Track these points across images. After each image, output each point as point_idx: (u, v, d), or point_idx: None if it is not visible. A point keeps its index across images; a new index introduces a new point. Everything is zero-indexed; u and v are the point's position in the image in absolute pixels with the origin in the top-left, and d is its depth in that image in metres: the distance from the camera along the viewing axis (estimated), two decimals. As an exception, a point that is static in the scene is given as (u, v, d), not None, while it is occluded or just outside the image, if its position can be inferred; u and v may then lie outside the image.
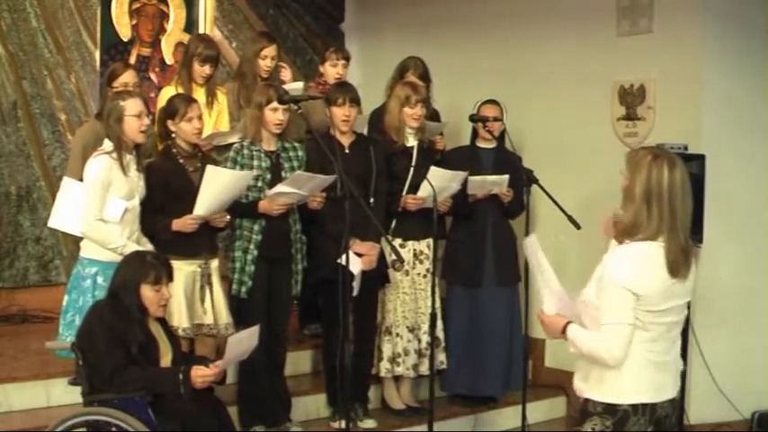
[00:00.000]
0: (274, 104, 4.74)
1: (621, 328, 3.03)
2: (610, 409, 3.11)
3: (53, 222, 4.73)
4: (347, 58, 5.80)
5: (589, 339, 3.11)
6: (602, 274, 3.09)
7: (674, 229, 3.05)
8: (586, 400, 3.17)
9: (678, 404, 3.31)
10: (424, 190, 5.06)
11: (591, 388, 3.15)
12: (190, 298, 4.59)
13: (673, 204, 3.05)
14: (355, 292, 4.74)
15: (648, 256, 3.04)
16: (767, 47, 5.80)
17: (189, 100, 4.75)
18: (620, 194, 3.16)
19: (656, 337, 3.09)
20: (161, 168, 4.63)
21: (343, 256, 4.24)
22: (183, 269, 4.53)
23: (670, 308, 3.09)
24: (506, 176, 5.40)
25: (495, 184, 5.41)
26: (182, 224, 4.50)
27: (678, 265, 3.06)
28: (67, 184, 4.66)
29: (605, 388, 3.11)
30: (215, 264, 4.71)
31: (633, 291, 3.01)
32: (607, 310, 3.05)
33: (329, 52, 5.79)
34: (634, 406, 3.09)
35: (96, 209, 4.37)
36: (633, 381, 3.08)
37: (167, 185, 4.57)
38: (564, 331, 3.17)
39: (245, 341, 4.15)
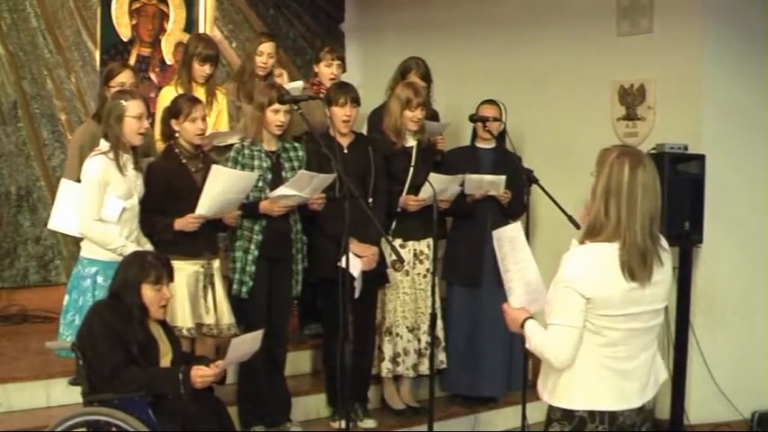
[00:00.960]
0: (276, 106, 4.74)
1: (566, 330, 2.94)
2: (567, 414, 3.04)
3: (52, 224, 4.73)
4: (341, 59, 5.80)
5: (538, 338, 3.03)
6: (557, 272, 3.00)
7: (632, 230, 2.90)
8: (549, 404, 3.11)
9: (650, 414, 3.19)
10: (426, 192, 5.06)
11: (548, 392, 3.09)
12: (193, 298, 4.59)
13: (631, 204, 2.91)
14: (357, 294, 4.75)
15: (604, 258, 2.92)
16: (767, 47, 5.80)
17: (193, 100, 4.75)
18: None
19: (613, 343, 2.96)
20: (163, 168, 4.63)
21: (343, 258, 4.24)
22: (186, 269, 4.54)
23: (632, 314, 2.95)
24: (503, 177, 5.40)
25: (493, 184, 5.40)
26: (184, 223, 4.50)
27: (633, 267, 2.91)
28: (65, 185, 4.66)
29: (560, 393, 3.04)
30: (217, 264, 4.72)
31: (581, 293, 2.91)
32: (554, 311, 2.97)
33: (323, 52, 5.77)
34: (590, 413, 3.00)
35: (94, 209, 4.37)
36: (587, 386, 2.99)
37: (169, 185, 4.57)
38: (522, 325, 3.11)
39: (247, 344, 4.15)
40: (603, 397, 3.00)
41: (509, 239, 3.28)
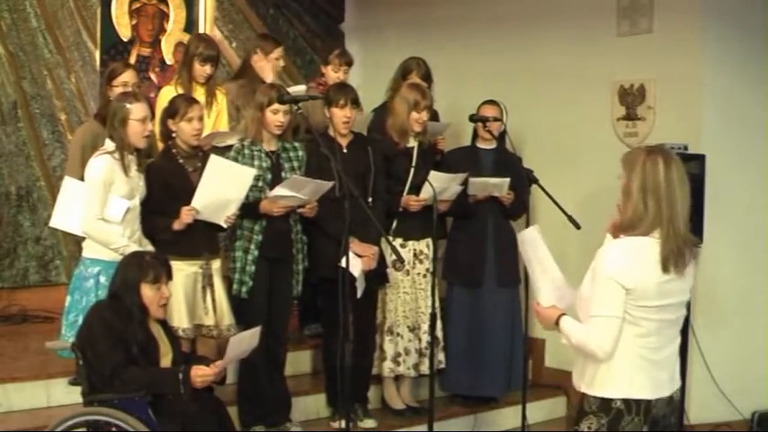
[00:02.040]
0: (276, 106, 4.74)
1: (610, 321, 3.04)
2: (604, 406, 3.11)
3: (54, 222, 4.72)
4: (350, 64, 5.79)
5: (579, 331, 3.11)
6: (595, 267, 3.10)
7: (673, 223, 3.05)
8: (582, 397, 3.17)
9: (677, 405, 3.30)
10: (427, 192, 5.06)
11: (586, 383, 3.16)
12: (191, 298, 4.58)
13: (671, 199, 3.05)
14: (359, 294, 4.75)
15: (641, 250, 3.05)
16: (767, 47, 5.80)
17: (190, 100, 4.74)
18: (620, 194, 3.15)
19: (648, 333, 3.09)
20: (161, 168, 4.63)
21: (343, 259, 4.24)
22: (185, 270, 4.54)
23: (664, 305, 3.08)
24: (507, 180, 5.40)
25: (497, 186, 5.41)
26: (179, 222, 4.49)
27: (670, 260, 3.04)
28: (69, 183, 4.66)
29: (598, 383, 3.12)
30: (216, 264, 4.71)
31: (623, 284, 3.02)
32: (596, 303, 3.06)
33: (333, 56, 5.75)
34: (627, 403, 3.08)
35: (97, 208, 4.37)
36: (625, 375, 3.08)
37: (167, 186, 4.57)
38: (557, 323, 3.18)
39: (246, 341, 4.16)
40: (640, 386, 3.10)
41: (530, 241, 3.36)
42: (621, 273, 3.03)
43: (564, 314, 3.19)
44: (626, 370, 3.09)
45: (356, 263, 4.76)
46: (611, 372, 3.09)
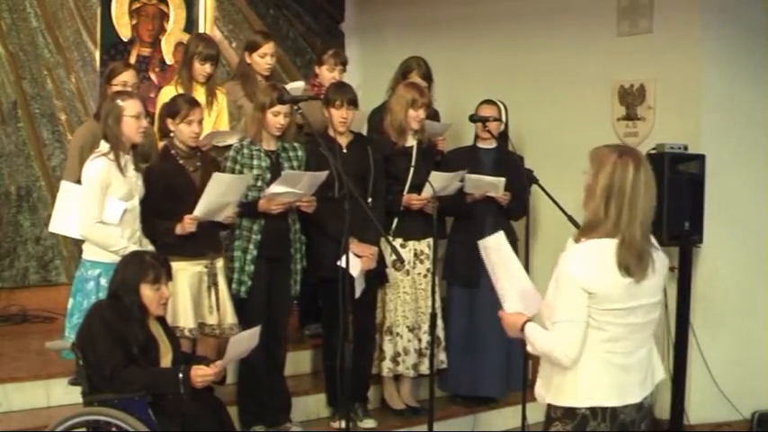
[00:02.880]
0: (277, 108, 4.74)
1: (573, 326, 2.97)
2: (568, 413, 3.05)
3: (53, 227, 4.73)
4: (345, 63, 5.77)
5: (542, 338, 3.05)
6: (558, 272, 3.04)
7: (632, 227, 2.96)
8: (548, 405, 3.12)
9: (648, 412, 3.21)
10: (428, 191, 5.06)
11: (552, 393, 3.10)
12: (196, 298, 4.58)
13: (633, 203, 2.96)
14: (358, 294, 4.75)
15: (604, 253, 2.97)
16: (767, 47, 5.80)
17: (192, 102, 4.73)
18: (583, 191, 3.10)
19: (614, 338, 3.01)
20: (161, 171, 4.62)
21: (343, 258, 4.24)
22: (189, 269, 4.54)
23: (631, 308, 3.00)
24: (503, 179, 5.39)
25: (492, 185, 5.40)
26: (181, 228, 4.49)
27: (630, 265, 2.96)
28: (66, 187, 4.66)
29: (564, 391, 3.06)
30: (220, 263, 4.71)
31: (585, 288, 2.95)
32: (559, 308, 2.99)
33: (327, 56, 5.71)
34: (592, 410, 3.02)
35: (95, 211, 4.37)
36: (591, 382, 3.02)
37: (168, 187, 4.57)
38: (522, 329, 3.12)
39: (245, 341, 4.16)
40: (606, 393, 3.03)
41: (495, 248, 3.31)
42: (583, 277, 2.96)
43: (529, 320, 3.13)
44: (591, 377, 3.01)
45: (355, 263, 4.75)
46: (576, 379, 3.02)
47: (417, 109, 5.21)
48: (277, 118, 4.77)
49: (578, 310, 2.97)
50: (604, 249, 2.98)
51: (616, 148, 3.09)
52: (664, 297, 3.21)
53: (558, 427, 3.07)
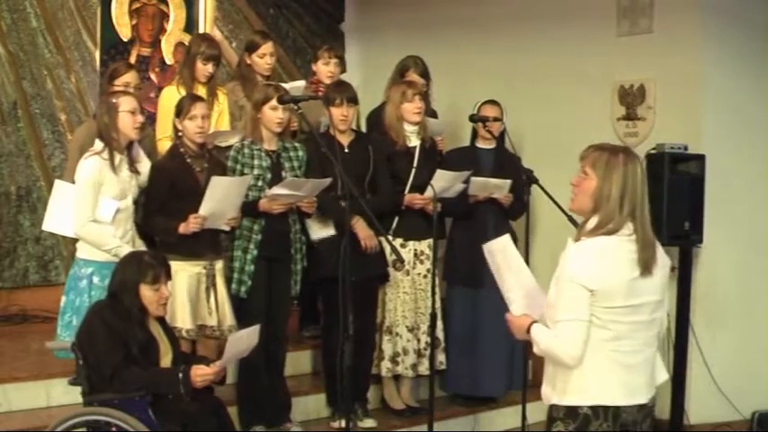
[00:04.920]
0: (273, 103, 4.74)
1: (575, 325, 2.97)
2: (571, 413, 3.05)
3: (47, 225, 4.73)
4: (339, 57, 5.78)
5: (547, 337, 3.05)
6: (559, 272, 3.05)
7: (645, 225, 3.03)
8: (551, 405, 3.12)
9: (650, 412, 3.19)
10: (430, 192, 5.06)
11: (558, 393, 3.10)
12: (194, 299, 4.58)
13: (643, 202, 3.04)
14: (313, 237, 4.89)
15: (606, 250, 3.00)
16: (767, 47, 5.80)
17: (194, 98, 4.75)
18: (578, 189, 3.13)
19: (618, 336, 3.02)
20: (167, 168, 4.64)
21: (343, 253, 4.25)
22: (188, 270, 4.54)
23: (635, 305, 3.02)
24: (509, 181, 5.40)
25: (498, 187, 5.41)
26: (185, 227, 4.49)
27: (648, 260, 3.01)
28: (59, 186, 4.67)
29: (569, 390, 3.06)
30: (219, 265, 4.71)
31: (586, 286, 2.96)
32: (561, 307, 3.00)
33: (321, 51, 5.74)
34: (594, 409, 3.02)
35: (88, 210, 4.38)
36: (595, 381, 3.02)
37: (174, 185, 4.57)
38: (529, 331, 3.13)
39: (244, 340, 4.15)
40: (611, 391, 3.04)
41: (501, 251, 3.31)
42: (584, 274, 2.97)
43: (535, 322, 3.14)
44: (596, 377, 3.02)
45: (326, 231, 4.82)
46: (581, 379, 3.02)
47: (411, 100, 5.20)
48: (276, 112, 4.75)
49: (580, 309, 2.97)
50: (606, 246, 3.00)
51: (613, 148, 3.11)
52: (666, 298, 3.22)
53: (560, 427, 3.07)
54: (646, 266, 3.00)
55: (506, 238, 3.38)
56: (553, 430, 3.10)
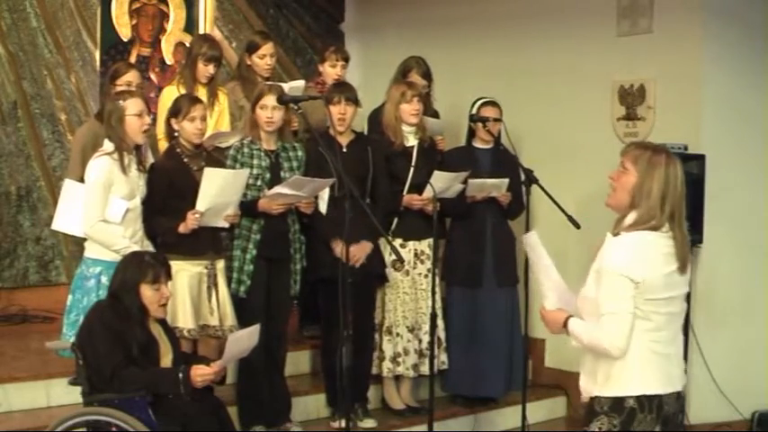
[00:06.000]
0: (263, 101, 4.74)
1: (622, 317, 3.03)
2: (616, 406, 3.09)
3: (56, 225, 4.73)
4: (346, 59, 5.79)
5: (590, 331, 3.11)
6: (600, 265, 3.10)
7: (682, 223, 3.11)
8: (592, 398, 3.16)
9: (684, 402, 3.29)
10: (429, 192, 5.06)
11: (600, 385, 3.14)
12: (195, 299, 4.58)
13: (681, 203, 3.11)
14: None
15: (647, 244, 3.07)
16: (767, 47, 5.80)
17: (193, 100, 4.75)
18: (617, 184, 3.17)
19: (658, 327, 3.10)
20: (164, 167, 4.64)
21: (341, 254, 4.24)
22: (189, 270, 4.54)
23: (670, 297, 3.11)
24: (506, 180, 5.40)
25: (495, 187, 5.41)
26: (184, 227, 4.50)
27: (685, 258, 3.11)
28: (69, 185, 4.66)
29: (612, 383, 3.10)
30: (221, 264, 4.71)
31: (631, 278, 3.02)
32: (606, 300, 3.05)
33: (329, 52, 5.76)
34: (639, 400, 3.07)
35: (98, 210, 4.38)
36: (639, 372, 3.08)
37: (171, 184, 4.57)
38: (565, 325, 3.17)
39: (244, 339, 4.15)
40: (654, 381, 3.11)
41: (531, 247, 3.36)
42: (629, 267, 3.03)
43: (571, 316, 3.18)
44: (639, 367, 3.08)
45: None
46: (625, 370, 3.08)
47: (410, 101, 5.21)
48: (264, 111, 4.75)
49: (625, 301, 3.03)
50: (648, 240, 3.07)
51: (656, 148, 3.18)
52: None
53: (604, 422, 3.10)
54: (683, 264, 3.10)
55: (532, 234, 3.43)
56: (593, 426, 3.12)
